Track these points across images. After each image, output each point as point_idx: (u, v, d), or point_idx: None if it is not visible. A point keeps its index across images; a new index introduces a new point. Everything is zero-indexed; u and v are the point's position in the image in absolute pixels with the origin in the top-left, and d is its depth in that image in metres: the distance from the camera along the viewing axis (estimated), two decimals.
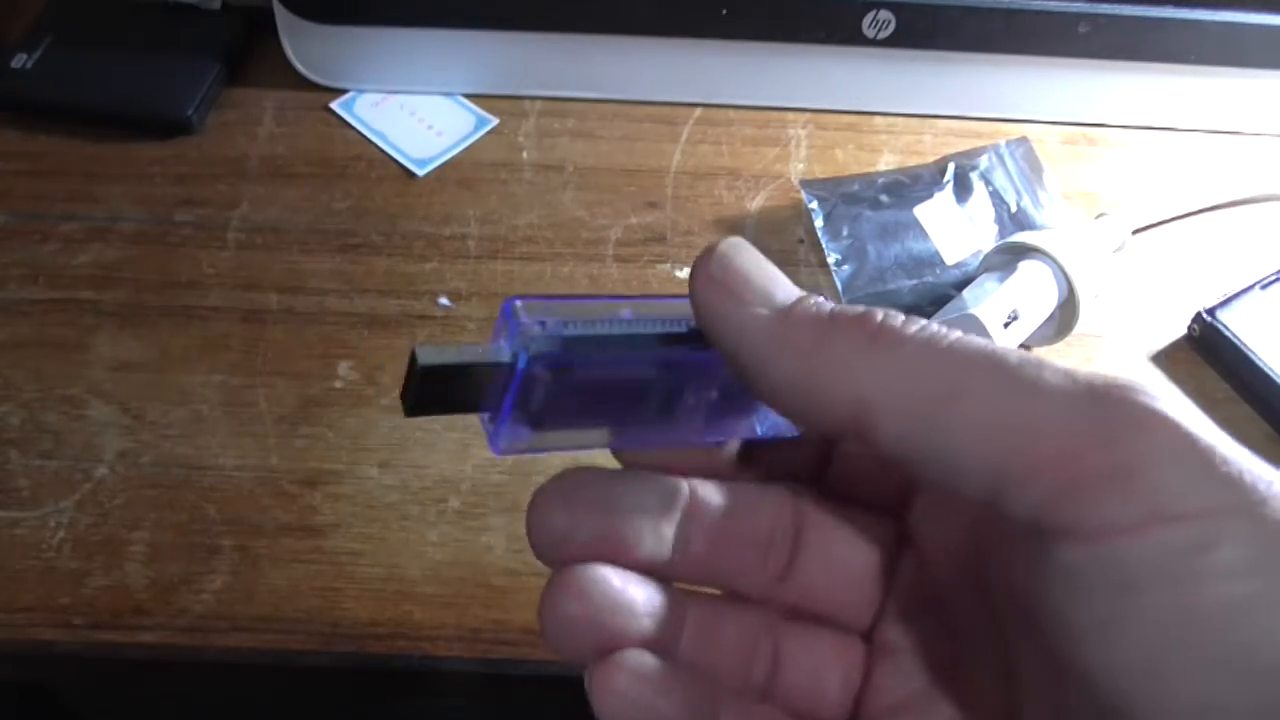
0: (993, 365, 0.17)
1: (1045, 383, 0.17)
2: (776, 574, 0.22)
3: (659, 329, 0.21)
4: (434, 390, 0.19)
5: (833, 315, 0.18)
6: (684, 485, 0.21)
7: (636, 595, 0.20)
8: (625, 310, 0.20)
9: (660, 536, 0.21)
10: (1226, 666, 0.15)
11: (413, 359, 0.18)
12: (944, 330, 0.18)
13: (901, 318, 0.18)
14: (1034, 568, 0.17)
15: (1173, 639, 0.15)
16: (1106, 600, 0.16)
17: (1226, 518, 0.15)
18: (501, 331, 0.19)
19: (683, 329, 0.20)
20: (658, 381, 0.21)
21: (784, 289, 0.19)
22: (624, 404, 0.21)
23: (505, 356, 0.19)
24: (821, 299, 0.19)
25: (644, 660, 0.20)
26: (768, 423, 0.22)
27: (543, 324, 0.19)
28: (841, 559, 0.22)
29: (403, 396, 0.19)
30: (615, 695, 0.20)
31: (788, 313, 0.18)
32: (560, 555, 0.21)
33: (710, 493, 0.22)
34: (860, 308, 0.18)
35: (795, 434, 0.22)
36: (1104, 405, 0.16)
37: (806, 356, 0.18)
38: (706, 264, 0.19)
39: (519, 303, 0.19)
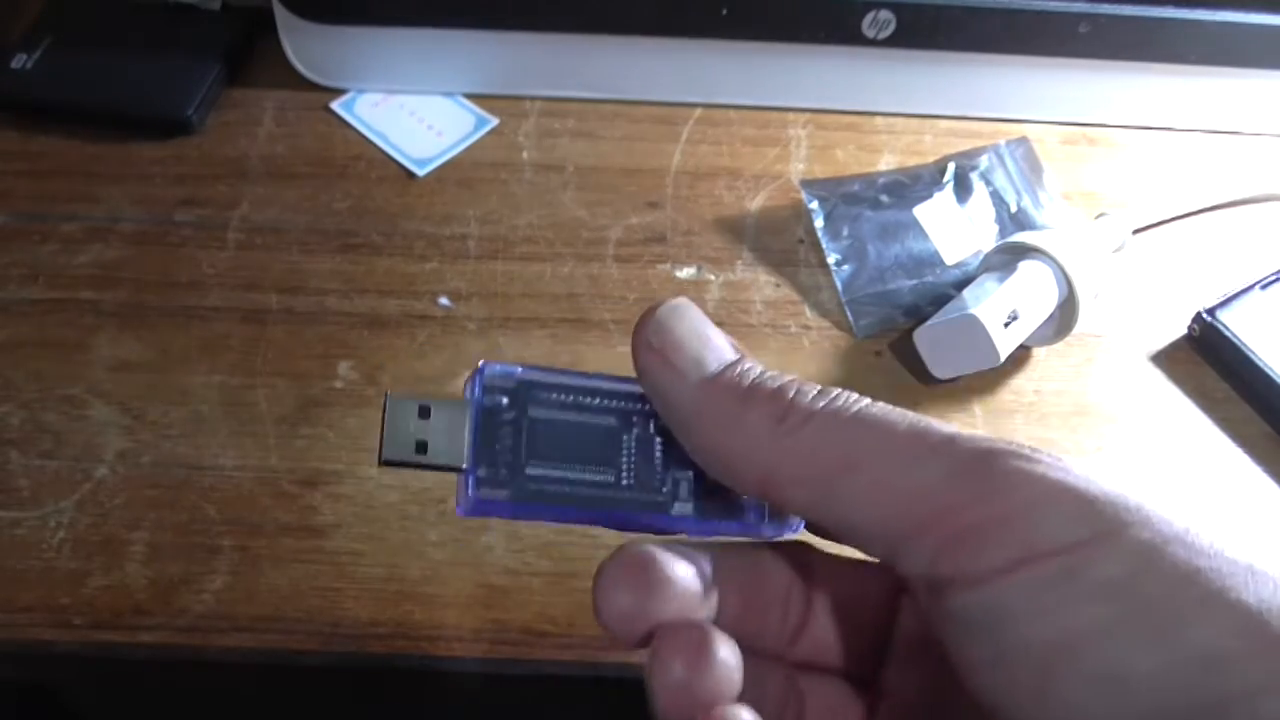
0: (883, 437, 0.19)
1: (929, 452, 0.19)
2: (793, 630, 0.23)
3: (622, 386, 0.22)
4: (403, 428, 0.21)
5: (751, 389, 0.20)
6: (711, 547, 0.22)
7: (729, 656, 0.21)
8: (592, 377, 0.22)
9: (709, 604, 0.22)
10: (1102, 683, 0.16)
11: (386, 398, 0.21)
12: (849, 402, 0.20)
13: (813, 392, 0.20)
14: (934, 616, 0.19)
15: (1051, 663, 0.17)
16: (992, 636, 0.17)
17: (1093, 546, 0.17)
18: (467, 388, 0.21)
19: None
20: (626, 427, 0.22)
21: (715, 355, 0.21)
22: (599, 459, 0.21)
23: (467, 401, 0.21)
24: (749, 367, 0.21)
25: (700, 634, 0.20)
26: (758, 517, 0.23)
27: (503, 370, 0.22)
28: (848, 612, 0.23)
29: (384, 456, 0.21)
30: (672, 681, 0.20)
31: (711, 383, 0.20)
32: (633, 632, 0.21)
33: (731, 553, 0.22)
34: (777, 382, 0.20)
35: (794, 530, 0.23)
36: (981, 466, 0.18)
37: (722, 430, 0.20)
38: (645, 329, 0.21)
39: (489, 365, 0.22)
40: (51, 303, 0.41)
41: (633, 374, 0.22)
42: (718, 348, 0.21)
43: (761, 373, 0.21)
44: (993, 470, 0.18)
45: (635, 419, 0.22)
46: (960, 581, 0.18)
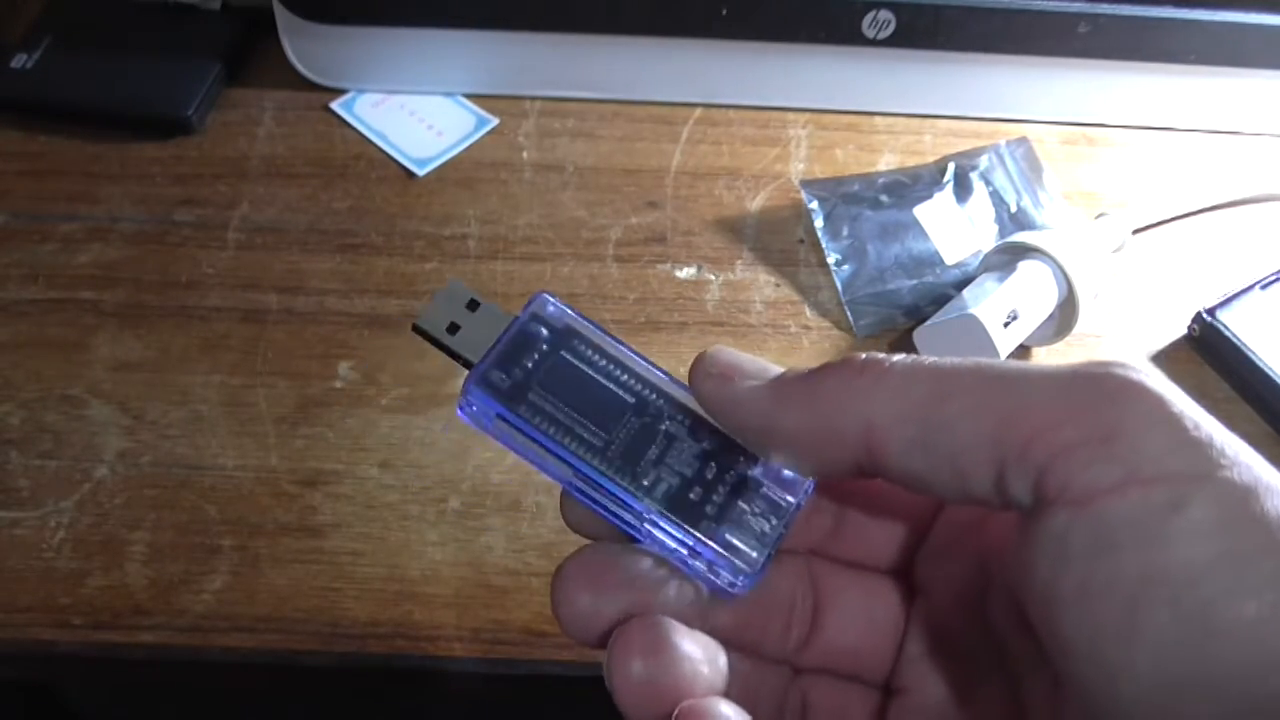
0: (973, 367, 0.19)
1: (1027, 370, 0.18)
2: (800, 639, 0.23)
3: (656, 374, 0.23)
4: (451, 307, 0.23)
5: (821, 367, 0.20)
6: None
7: (693, 649, 0.21)
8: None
9: (684, 612, 0.22)
10: (1196, 625, 0.16)
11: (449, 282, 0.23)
12: (922, 356, 0.20)
13: (882, 354, 0.20)
14: (1024, 553, 0.18)
15: (1145, 597, 0.16)
16: (1088, 563, 0.17)
17: (1196, 481, 0.16)
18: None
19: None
20: (639, 413, 0.22)
21: (773, 368, 0.21)
22: (598, 421, 0.22)
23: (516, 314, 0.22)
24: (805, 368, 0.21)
25: (727, 712, 0.20)
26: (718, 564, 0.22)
27: (557, 308, 0.23)
28: (859, 620, 0.23)
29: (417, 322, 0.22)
30: (631, 677, 0.20)
31: (780, 378, 0.21)
32: (590, 635, 0.21)
33: None
34: (843, 357, 0.20)
35: (740, 588, 0.22)
36: (1083, 380, 0.18)
37: (807, 404, 0.20)
38: (701, 365, 0.21)
39: (547, 297, 0.23)
40: (51, 303, 0.41)
41: (674, 373, 0.23)
42: (772, 365, 0.21)
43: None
44: (1096, 383, 0.18)
45: (651, 408, 0.22)
46: (1063, 499, 0.17)
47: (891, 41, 0.47)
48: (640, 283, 0.43)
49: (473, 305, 0.23)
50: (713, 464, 0.22)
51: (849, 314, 0.42)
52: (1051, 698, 0.20)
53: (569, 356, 0.22)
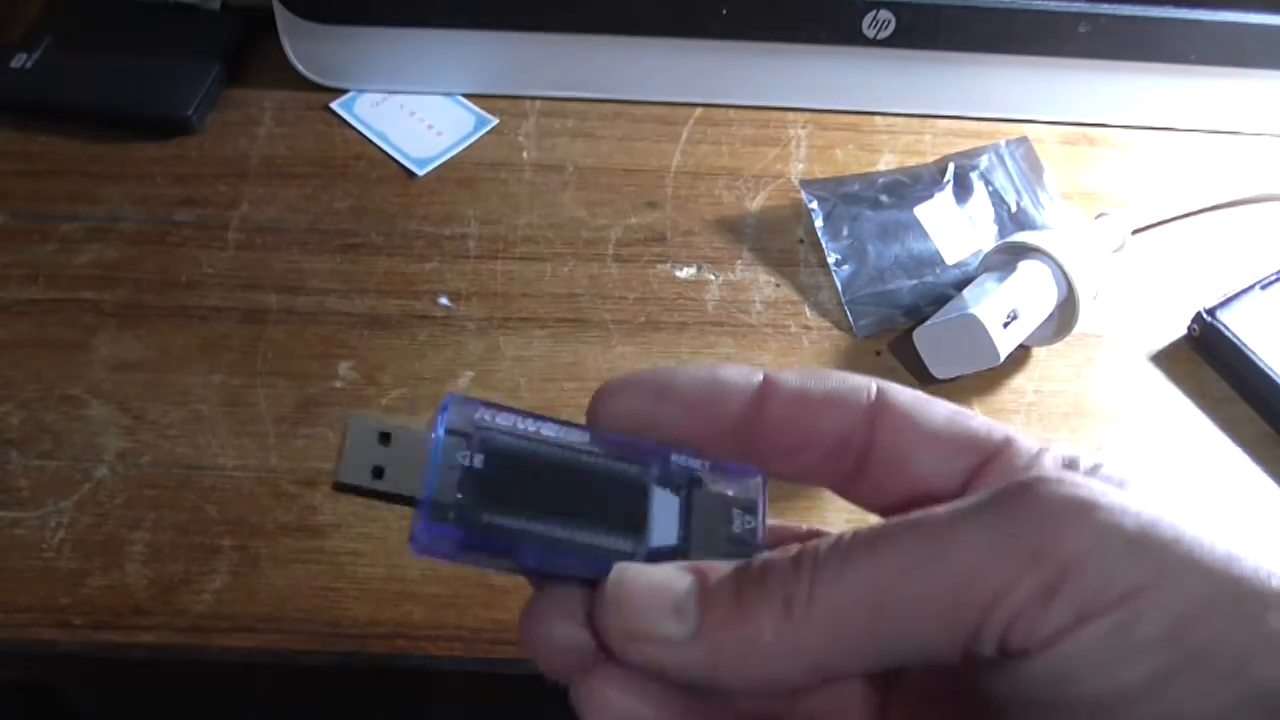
0: (894, 555, 0.18)
1: (949, 542, 0.18)
2: None
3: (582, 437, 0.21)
4: (362, 452, 0.21)
5: (739, 600, 0.19)
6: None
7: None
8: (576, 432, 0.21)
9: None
10: None
11: (346, 423, 0.21)
12: (836, 548, 0.19)
13: (786, 567, 0.19)
14: (988, 680, 0.18)
15: (1110, 713, 0.17)
16: (1051, 692, 0.17)
17: (1146, 595, 0.17)
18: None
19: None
20: (589, 475, 0.21)
21: (679, 589, 0.19)
22: (557, 502, 0.20)
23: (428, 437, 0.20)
24: (716, 582, 0.19)
25: (632, 672, 0.20)
26: None
27: (477, 408, 0.20)
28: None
29: (337, 480, 0.21)
30: (607, 706, 0.20)
31: (703, 628, 0.19)
32: (562, 669, 0.21)
33: None
34: (756, 566, 0.19)
35: None
36: (1012, 532, 0.17)
37: (745, 663, 0.19)
38: (603, 617, 0.20)
39: (455, 398, 0.21)
40: (51, 303, 0.41)
41: (594, 424, 0.22)
42: (674, 592, 0.19)
43: (729, 578, 0.19)
44: (1029, 533, 0.17)
45: (597, 468, 0.21)
46: (1027, 650, 0.17)
47: (891, 41, 0.47)
48: (640, 283, 0.43)
49: (384, 438, 0.21)
50: (671, 493, 0.21)
51: (849, 314, 0.42)
52: None
53: (502, 449, 0.20)
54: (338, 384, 0.39)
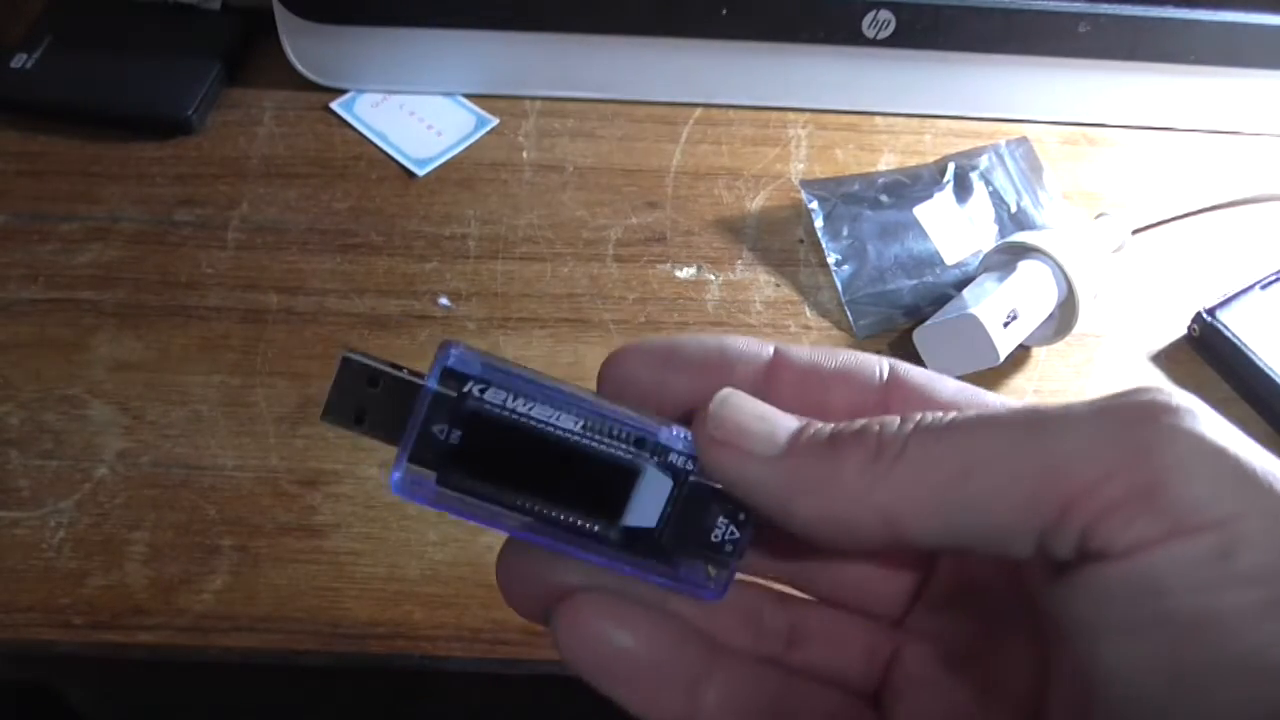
0: (991, 432, 0.18)
1: (1055, 420, 0.17)
2: (777, 644, 0.23)
3: (610, 415, 0.20)
4: (351, 391, 0.20)
5: (833, 441, 0.19)
6: None
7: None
8: (583, 393, 0.20)
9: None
10: (1243, 668, 0.16)
11: (343, 359, 0.20)
12: (939, 418, 0.18)
13: (897, 421, 0.19)
14: (1064, 591, 0.18)
15: (1192, 642, 0.16)
16: (1134, 607, 0.16)
17: (1244, 524, 0.16)
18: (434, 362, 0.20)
19: (634, 434, 0.20)
20: (581, 452, 0.20)
21: (782, 426, 0.20)
22: (541, 472, 0.20)
23: (424, 378, 0.19)
24: (819, 426, 0.20)
25: (606, 598, 0.20)
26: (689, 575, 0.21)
27: (469, 366, 0.20)
28: (835, 643, 0.23)
29: (325, 408, 0.20)
30: (578, 630, 0.20)
31: (791, 452, 0.19)
32: (536, 611, 0.21)
33: None
34: (859, 423, 0.19)
35: (714, 598, 0.21)
36: (1117, 426, 0.17)
37: (821, 494, 0.19)
38: (704, 426, 0.20)
39: (458, 345, 0.20)
40: (51, 303, 0.41)
41: (602, 391, 0.21)
42: (781, 420, 0.20)
43: (835, 425, 0.19)
44: (1136, 430, 0.17)
45: (594, 442, 0.20)
46: (1107, 555, 0.17)
47: (891, 41, 0.47)
48: (640, 283, 0.43)
49: (373, 381, 0.20)
50: (666, 475, 0.21)
51: (849, 314, 0.42)
52: (1080, 676, 0.20)
53: (494, 408, 0.20)
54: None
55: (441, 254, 0.44)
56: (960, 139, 0.49)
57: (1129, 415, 0.17)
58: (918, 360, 0.40)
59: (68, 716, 0.44)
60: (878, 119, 0.50)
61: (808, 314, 0.43)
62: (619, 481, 0.21)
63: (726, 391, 0.20)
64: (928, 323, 0.40)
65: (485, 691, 0.36)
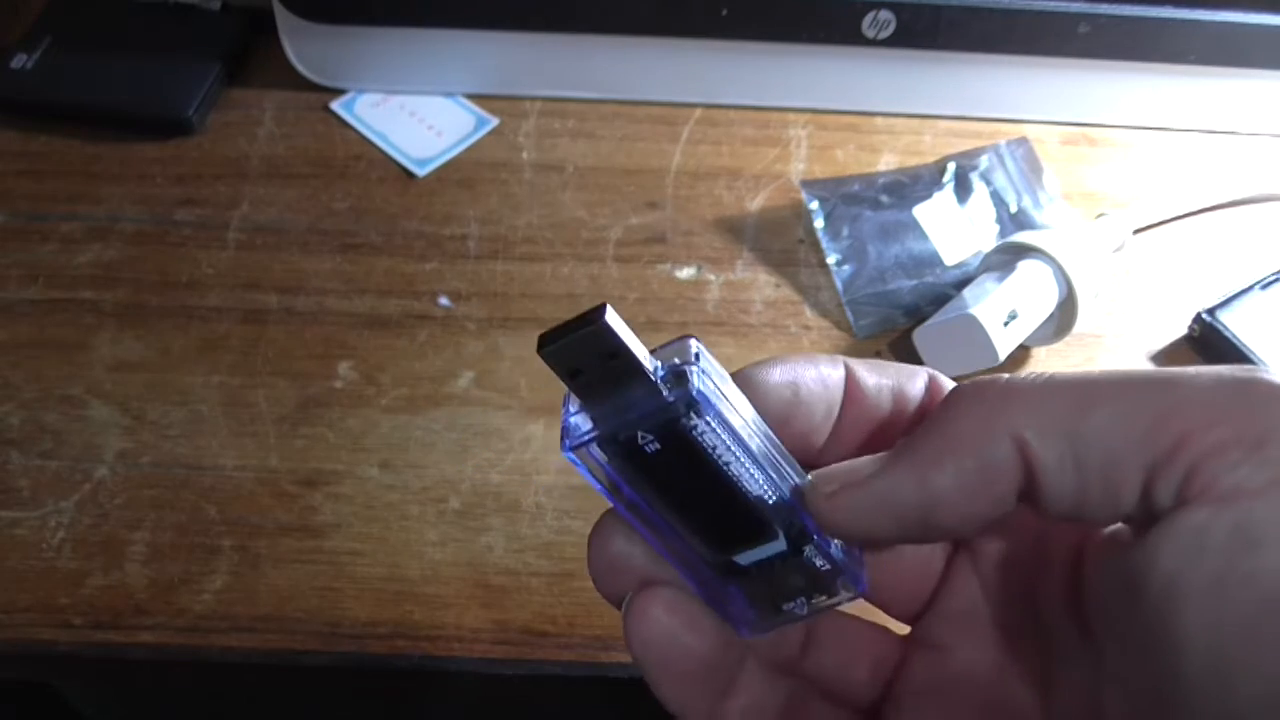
0: (1115, 373, 0.18)
1: (1172, 374, 0.18)
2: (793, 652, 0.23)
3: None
4: (584, 350, 0.18)
5: (944, 402, 0.20)
6: None
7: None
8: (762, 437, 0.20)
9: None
10: None
11: (600, 310, 0.18)
12: (1055, 371, 0.19)
13: (1007, 375, 0.19)
14: (1147, 547, 0.17)
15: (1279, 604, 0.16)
16: (1226, 557, 0.16)
17: None
18: (673, 358, 0.19)
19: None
20: (751, 512, 0.20)
21: (875, 457, 0.20)
22: (696, 507, 0.20)
23: (666, 384, 0.18)
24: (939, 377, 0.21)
25: (681, 596, 0.21)
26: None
27: (707, 387, 0.19)
28: (892, 561, 0.23)
29: (550, 335, 0.18)
30: (650, 621, 0.20)
31: (903, 446, 0.19)
32: (612, 589, 0.21)
33: None
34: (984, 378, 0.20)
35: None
36: (1232, 384, 0.18)
37: (950, 446, 0.19)
38: (816, 491, 0.20)
39: (700, 349, 0.19)
40: (51, 303, 0.41)
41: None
42: (870, 458, 0.20)
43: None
44: (1247, 387, 0.17)
45: (757, 497, 0.20)
46: (1207, 496, 0.17)
47: (891, 41, 0.47)
48: (640, 283, 0.43)
49: (614, 354, 0.18)
50: (784, 537, 0.21)
51: (849, 314, 0.42)
52: (1090, 687, 0.20)
53: (700, 446, 0.19)
54: (338, 384, 0.39)
55: (441, 254, 0.44)
56: (960, 139, 0.49)
57: (1245, 378, 0.18)
58: (918, 360, 0.40)
59: (68, 716, 0.44)
60: (878, 119, 0.50)
61: (808, 314, 0.43)
62: (753, 535, 0.21)
63: (823, 470, 0.20)
64: (928, 323, 0.40)
65: (485, 691, 0.36)
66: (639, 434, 0.19)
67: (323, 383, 0.39)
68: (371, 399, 0.39)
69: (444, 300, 0.42)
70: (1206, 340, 0.41)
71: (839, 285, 0.43)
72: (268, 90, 0.49)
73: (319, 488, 0.37)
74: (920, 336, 0.40)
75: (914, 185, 0.46)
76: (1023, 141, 0.48)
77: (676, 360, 0.19)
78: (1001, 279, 0.39)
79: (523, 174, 0.47)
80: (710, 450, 0.19)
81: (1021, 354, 0.41)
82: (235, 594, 0.34)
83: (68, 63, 0.48)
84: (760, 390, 0.21)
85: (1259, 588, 0.16)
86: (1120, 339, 0.42)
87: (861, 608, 0.23)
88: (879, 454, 0.20)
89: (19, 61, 0.48)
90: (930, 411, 0.21)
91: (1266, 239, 0.46)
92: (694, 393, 0.18)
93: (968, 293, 0.40)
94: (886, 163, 0.48)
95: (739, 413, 0.19)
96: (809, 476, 0.20)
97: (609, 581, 0.21)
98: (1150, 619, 0.17)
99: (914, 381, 0.22)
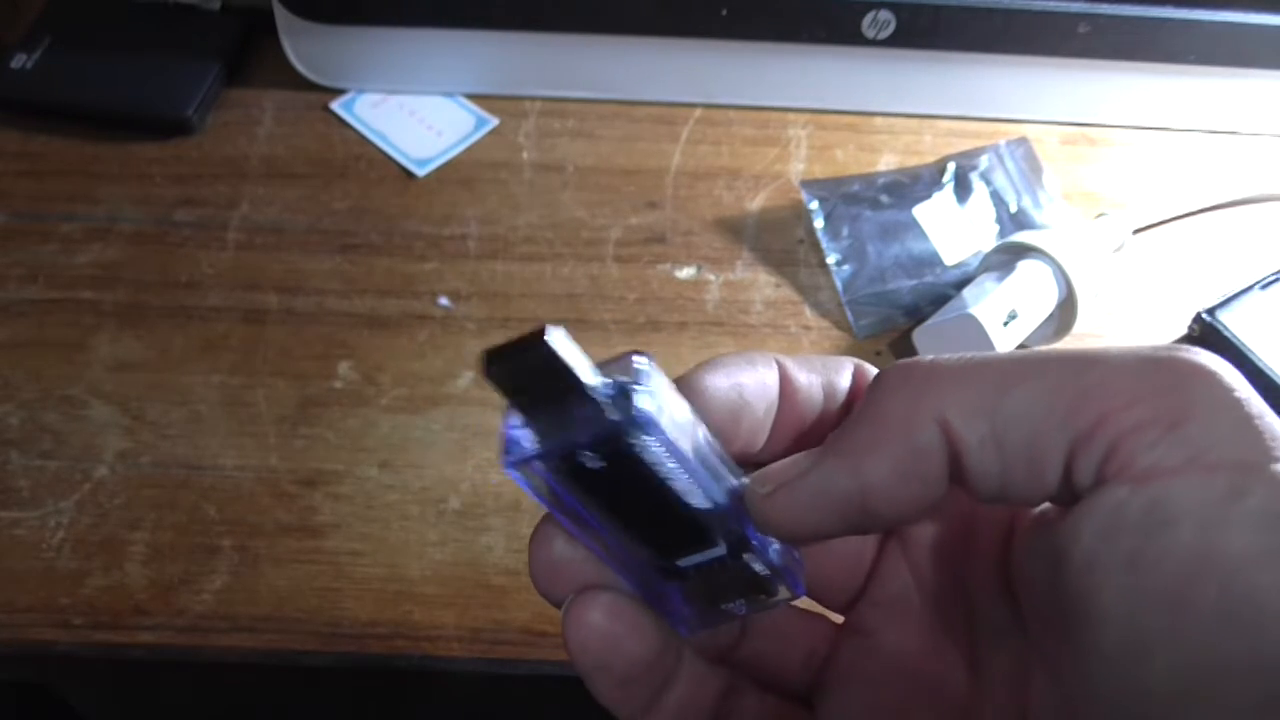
0: (1035, 353, 0.19)
1: (1094, 353, 0.18)
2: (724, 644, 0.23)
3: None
4: (528, 370, 0.19)
5: (870, 387, 0.19)
6: None
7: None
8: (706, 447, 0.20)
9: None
10: (1238, 607, 0.16)
11: (545, 330, 0.18)
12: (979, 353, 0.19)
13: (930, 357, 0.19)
14: (1069, 523, 0.18)
15: (1194, 579, 0.16)
16: (1143, 534, 0.17)
17: (1256, 471, 0.16)
18: (620, 375, 0.19)
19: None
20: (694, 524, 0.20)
21: (808, 453, 0.20)
22: (636, 518, 0.20)
23: (610, 404, 0.18)
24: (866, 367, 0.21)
25: (621, 600, 0.21)
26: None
27: (651, 406, 0.18)
28: (823, 552, 0.23)
29: (495, 354, 0.19)
30: (589, 627, 0.20)
31: (835, 438, 0.19)
32: (553, 592, 0.21)
33: None
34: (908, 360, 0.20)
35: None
36: (1154, 363, 0.18)
37: (879, 435, 0.19)
38: (752, 492, 0.20)
39: (649, 366, 0.19)
40: (51, 303, 0.41)
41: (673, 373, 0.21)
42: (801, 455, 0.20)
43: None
44: (1169, 366, 0.18)
45: (701, 511, 0.20)
46: (1124, 475, 0.17)
47: (891, 41, 0.47)
48: (640, 283, 0.43)
49: (558, 377, 0.19)
50: (724, 542, 0.21)
51: (849, 314, 0.42)
52: (1021, 673, 0.20)
53: (644, 463, 0.19)
54: (338, 384, 0.39)
55: (441, 254, 0.44)
56: (960, 139, 0.49)
57: (1165, 357, 0.18)
58: None
59: (68, 716, 0.44)
60: (878, 119, 0.50)
61: (808, 314, 0.43)
62: (693, 541, 0.21)
63: (761, 471, 0.20)
64: (927, 323, 0.40)
65: (485, 691, 0.36)
66: (585, 456, 0.19)
67: (322, 383, 0.39)
68: (371, 399, 0.39)
69: (444, 300, 0.42)
70: (1206, 340, 0.41)
71: (839, 285, 0.43)
72: (267, 90, 0.49)
73: (319, 488, 0.37)
74: (920, 336, 0.40)
75: (914, 185, 0.46)
76: (1023, 141, 0.48)
77: (623, 378, 0.19)
78: (1001, 279, 0.39)
79: (523, 174, 0.47)
80: (653, 466, 0.19)
81: None
82: (235, 594, 0.34)
83: (68, 63, 0.48)
84: (706, 396, 0.21)
85: (1172, 564, 0.16)
86: (1120, 339, 0.42)
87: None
88: (813, 449, 0.20)
89: (19, 61, 0.48)
90: (858, 400, 0.21)
91: (1266, 239, 0.46)
92: (637, 414, 0.18)
93: (968, 293, 0.40)
94: (886, 163, 0.48)
95: (682, 425, 0.19)
96: (746, 479, 0.20)
97: (550, 585, 0.21)
98: (1070, 595, 0.18)
99: (841, 373, 0.22)
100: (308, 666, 0.33)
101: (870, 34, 0.47)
